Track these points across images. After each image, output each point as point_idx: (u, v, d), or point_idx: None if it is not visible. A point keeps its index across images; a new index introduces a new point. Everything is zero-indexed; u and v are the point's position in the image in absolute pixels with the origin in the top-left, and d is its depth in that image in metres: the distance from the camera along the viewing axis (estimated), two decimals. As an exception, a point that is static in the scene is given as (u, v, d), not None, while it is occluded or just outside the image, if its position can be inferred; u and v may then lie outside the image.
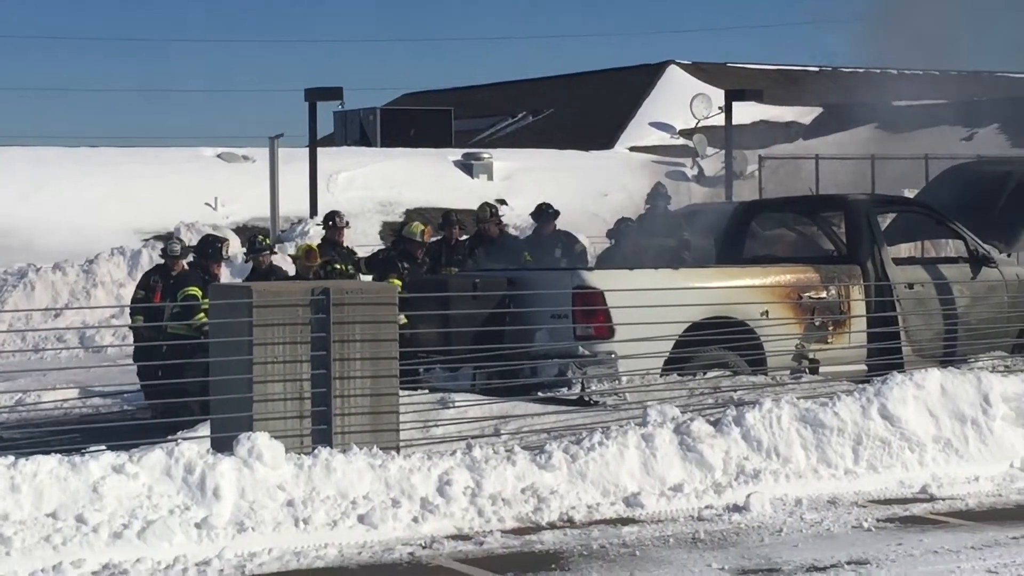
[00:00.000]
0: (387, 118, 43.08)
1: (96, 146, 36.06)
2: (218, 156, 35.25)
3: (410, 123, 42.84)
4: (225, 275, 17.46)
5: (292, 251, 17.13)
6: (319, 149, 33.20)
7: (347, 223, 18.22)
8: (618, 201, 32.68)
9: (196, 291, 14.15)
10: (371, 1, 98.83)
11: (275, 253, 17.61)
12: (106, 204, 30.48)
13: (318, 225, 23.31)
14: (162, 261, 16.39)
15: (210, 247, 15.05)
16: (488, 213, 17.37)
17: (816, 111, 46.07)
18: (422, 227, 16.82)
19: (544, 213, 17.47)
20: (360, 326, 10.29)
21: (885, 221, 16.32)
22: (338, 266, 15.49)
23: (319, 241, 17.69)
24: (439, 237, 17.80)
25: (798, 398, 11.34)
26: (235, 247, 23.97)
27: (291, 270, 16.37)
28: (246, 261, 16.15)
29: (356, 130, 43.18)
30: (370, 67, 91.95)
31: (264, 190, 30.86)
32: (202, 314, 13.53)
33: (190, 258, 15.57)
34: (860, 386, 11.53)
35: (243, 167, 34.43)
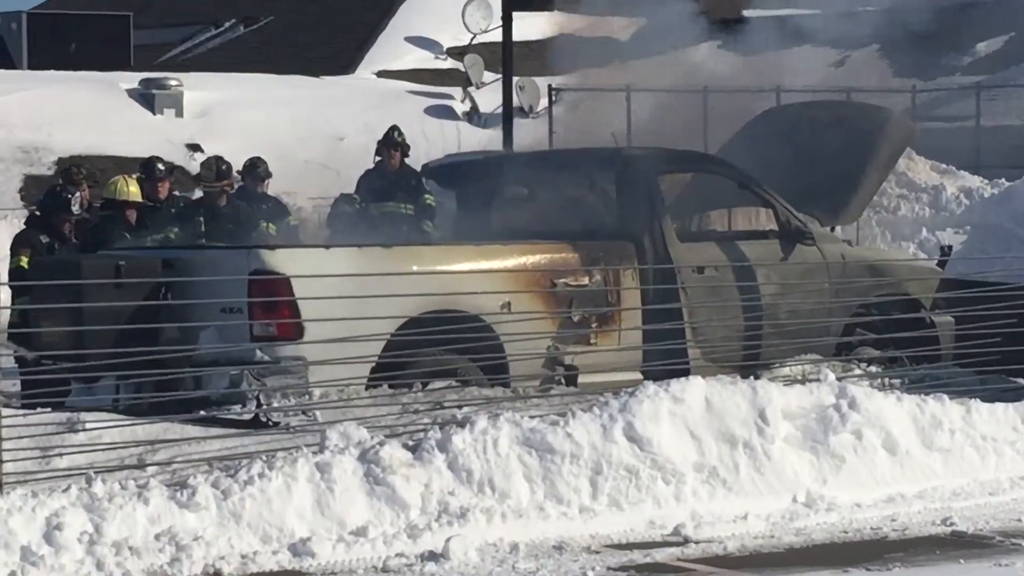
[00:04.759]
0: (36, 27, 43.56)
1: None
2: None
3: (70, 34, 43.34)
4: None
5: None
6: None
7: None
8: (359, 147, 33.52)
9: None
10: None
11: None
12: None
13: None
14: None
15: None
16: (215, 173, 18.13)
17: (638, 23, 47.48)
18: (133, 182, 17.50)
19: (254, 172, 18.54)
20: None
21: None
22: None
23: None
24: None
25: (525, 416, 12.61)
26: None
27: None
28: None
29: (-8, 44, 43.68)
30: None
31: None
32: None
33: None
34: (601, 400, 12.85)
35: None
